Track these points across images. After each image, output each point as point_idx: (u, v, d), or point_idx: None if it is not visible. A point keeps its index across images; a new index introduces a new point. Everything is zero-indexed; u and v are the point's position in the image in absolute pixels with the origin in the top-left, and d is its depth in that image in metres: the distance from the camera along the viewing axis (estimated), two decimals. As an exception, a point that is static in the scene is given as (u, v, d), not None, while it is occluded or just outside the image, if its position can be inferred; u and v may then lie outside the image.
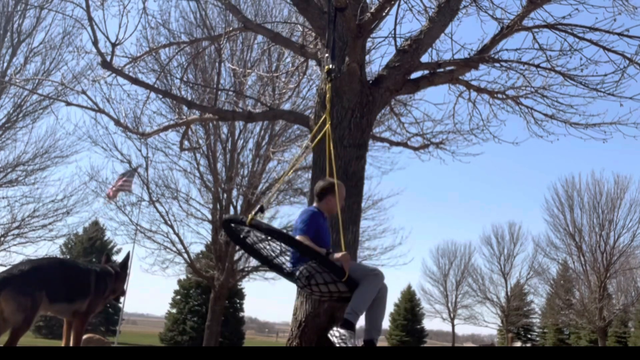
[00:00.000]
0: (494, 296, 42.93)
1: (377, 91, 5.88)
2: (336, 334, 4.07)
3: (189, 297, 40.17)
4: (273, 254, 4.39)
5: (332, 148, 4.46)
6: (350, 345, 3.97)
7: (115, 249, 39.60)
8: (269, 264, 4.55)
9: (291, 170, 10.24)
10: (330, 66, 4.88)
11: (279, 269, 4.47)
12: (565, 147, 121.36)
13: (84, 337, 9.24)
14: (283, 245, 4.24)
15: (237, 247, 17.50)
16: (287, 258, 4.34)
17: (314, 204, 4.53)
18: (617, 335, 41.82)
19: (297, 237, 4.05)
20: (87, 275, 4.40)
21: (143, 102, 9.87)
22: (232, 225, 4.32)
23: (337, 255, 3.99)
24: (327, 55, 5.29)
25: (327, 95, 4.92)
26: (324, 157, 5.14)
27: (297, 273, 4.15)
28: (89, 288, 4.36)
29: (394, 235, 45.99)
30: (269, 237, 4.21)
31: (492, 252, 43.15)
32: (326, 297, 4.30)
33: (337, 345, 4.02)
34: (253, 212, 4.01)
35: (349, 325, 4.05)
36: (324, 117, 4.72)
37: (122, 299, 5.06)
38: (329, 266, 3.98)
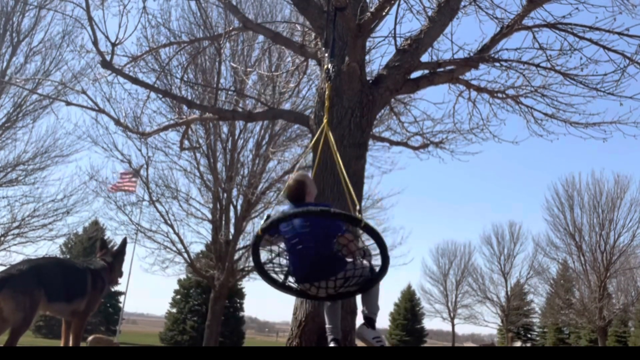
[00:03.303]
0: (494, 296, 42.98)
1: (377, 91, 5.88)
2: (369, 336, 4.14)
3: (189, 296, 40.19)
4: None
5: (333, 145, 4.46)
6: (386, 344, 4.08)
7: (115, 248, 39.56)
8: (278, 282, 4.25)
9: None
10: (329, 65, 4.89)
11: (288, 288, 4.24)
12: (565, 147, 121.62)
13: (92, 337, 9.27)
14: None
15: (237, 248, 17.54)
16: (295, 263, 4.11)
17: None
18: (617, 335, 41.82)
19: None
20: (84, 275, 4.40)
21: (143, 102, 9.89)
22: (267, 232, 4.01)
23: None
24: (326, 54, 5.30)
25: (327, 93, 4.96)
26: (324, 156, 5.15)
27: (339, 275, 3.95)
28: (86, 287, 4.36)
29: (394, 235, 46.16)
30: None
31: (492, 252, 43.21)
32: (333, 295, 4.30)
33: (377, 345, 4.11)
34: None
35: (374, 324, 4.20)
36: (325, 116, 4.74)
37: (122, 290, 5.00)
38: (385, 269, 4.02)
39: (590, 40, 6.48)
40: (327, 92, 4.99)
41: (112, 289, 5.00)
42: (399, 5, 6.29)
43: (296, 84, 10.11)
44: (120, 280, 4.90)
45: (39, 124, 36.99)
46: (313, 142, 5.07)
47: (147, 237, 17.46)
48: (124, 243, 5.00)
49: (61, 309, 4.31)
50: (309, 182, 4.30)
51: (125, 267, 4.97)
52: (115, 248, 4.97)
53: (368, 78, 6.00)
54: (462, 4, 6.71)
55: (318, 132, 4.85)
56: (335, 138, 5.54)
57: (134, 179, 15.85)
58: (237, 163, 17.40)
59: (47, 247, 19.86)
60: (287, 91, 11.88)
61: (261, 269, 4.17)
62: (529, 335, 51.39)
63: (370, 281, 4.07)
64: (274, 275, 4.20)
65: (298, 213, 3.87)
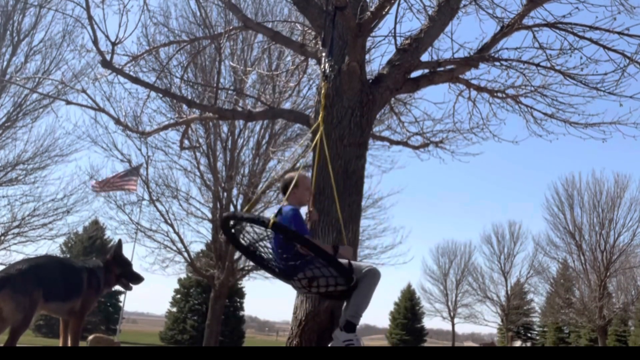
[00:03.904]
0: (494, 295, 43.06)
1: (377, 90, 5.87)
2: (341, 338, 4.06)
3: (189, 296, 40.24)
4: (266, 254, 4.25)
5: (326, 145, 4.51)
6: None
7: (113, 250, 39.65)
8: (262, 263, 4.39)
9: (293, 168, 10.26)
10: (326, 65, 4.93)
11: (272, 270, 4.34)
12: (565, 146, 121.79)
13: (92, 336, 9.28)
14: (272, 244, 4.16)
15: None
16: (272, 257, 4.20)
17: (284, 203, 4.36)
18: (617, 334, 41.85)
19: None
20: (80, 273, 4.38)
21: (143, 101, 9.87)
22: (232, 222, 4.22)
23: (342, 249, 4.07)
24: (323, 54, 5.32)
25: (322, 92, 5.02)
26: (323, 154, 5.16)
27: (299, 275, 4.02)
28: (82, 286, 4.35)
29: (394, 234, 46.28)
30: (265, 236, 4.14)
31: (493, 251, 43.31)
32: (323, 295, 4.32)
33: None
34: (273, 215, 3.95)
35: (352, 328, 4.05)
36: (320, 115, 4.80)
37: (133, 287, 4.95)
38: (340, 270, 3.93)
39: (590, 39, 6.47)
40: (322, 91, 5.06)
41: (112, 289, 4.94)
42: (399, 4, 6.28)
43: (296, 84, 10.11)
44: (132, 284, 4.85)
45: (38, 124, 37.05)
46: (307, 138, 5.13)
47: (147, 236, 17.49)
48: (118, 245, 4.89)
49: (58, 308, 4.30)
50: (300, 181, 4.36)
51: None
52: (113, 250, 4.89)
53: (368, 77, 5.99)
54: (462, 3, 6.70)
55: (314, 127, 4.93)
56: (335, 138, 5.56)
57: (133, 179, 15.85)
58: (237, 162, 17.42)
59: (47, 247, 19.94)
60: (287, 91, 11.88)
61: (262, 265, 4.30)
62: (529, 335, 51.45)
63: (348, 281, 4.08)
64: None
65: (230, 216, 4.18)
